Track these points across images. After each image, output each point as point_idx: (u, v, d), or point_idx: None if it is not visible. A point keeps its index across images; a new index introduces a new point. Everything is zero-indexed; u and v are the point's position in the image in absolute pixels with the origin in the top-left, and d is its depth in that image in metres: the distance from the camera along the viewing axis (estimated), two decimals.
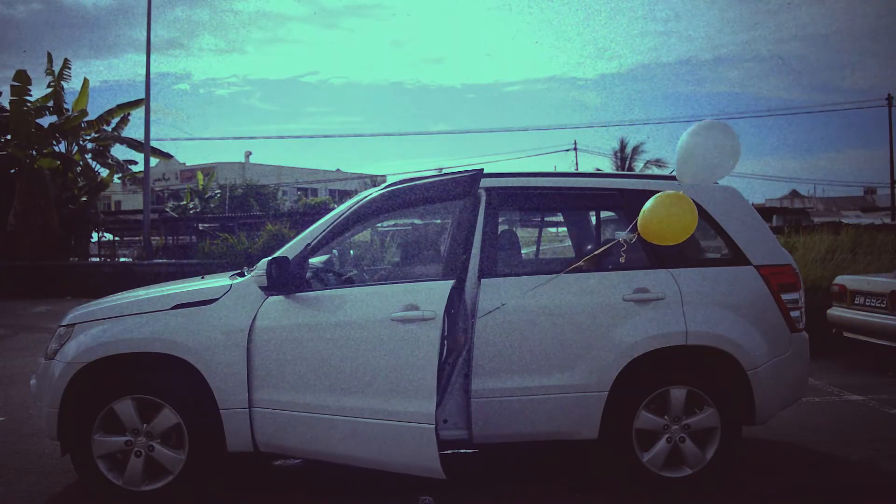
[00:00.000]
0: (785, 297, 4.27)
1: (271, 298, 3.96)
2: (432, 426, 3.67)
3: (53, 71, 21.54)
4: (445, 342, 4.12)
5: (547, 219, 6.40)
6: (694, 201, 3.96)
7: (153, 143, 22.38)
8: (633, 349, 4.06)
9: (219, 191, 37.51)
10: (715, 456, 4.10)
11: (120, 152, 31.01)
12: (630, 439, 4.07)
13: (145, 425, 3.92)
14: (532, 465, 4.74)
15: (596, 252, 4.18)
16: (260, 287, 3.96)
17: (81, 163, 22.50)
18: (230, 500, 4.21)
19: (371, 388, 3.79)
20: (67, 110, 21.77)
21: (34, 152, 20.63)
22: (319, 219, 4.33)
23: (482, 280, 4.12)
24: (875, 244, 12.38)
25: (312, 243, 4.07)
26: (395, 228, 9.88)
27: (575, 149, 46.20)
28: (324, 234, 4.11)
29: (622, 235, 4.10)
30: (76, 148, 22.35)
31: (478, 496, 4.18)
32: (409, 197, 4.19)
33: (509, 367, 4.04)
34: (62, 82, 21.78)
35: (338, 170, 56.91)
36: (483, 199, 4.25)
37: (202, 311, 3.97)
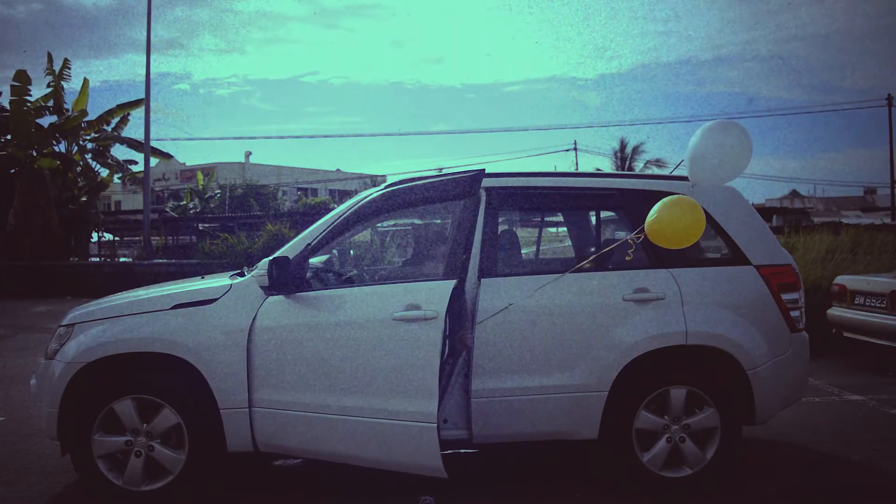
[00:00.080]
0: (785, 297, 4.27)
1: (271, 298, 3.96)
2: (434, 425, 3.67)
3: (53, 71, 21.56)
4: (447, 342, 4.12)
5: (547, 219, 6.40)
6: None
7: (153, 143, 22.43)
8: (633, 349, 4.06)
9: (219, 191, 37.52)
10: (715, 456, 4.10)
11: (120, 152, 30.95)
12: (630, 439, 4.07)
13: (145, 425, 3.92)
14: (532, 465, 4.74)
15: (604, 251, 4.16)
16: (260, 287, 3.96)
17: (81, 163, 22.53)
18: (230, 500, 4.21)
19: (372, 387, 3.79)
20: (67, 110, 21.78)
21: (34, 152, 20.65)
22: (319, 219, 4.33)
23: (482, 280, 4.12)
24: (875, 244, 12.39)
25: (313, 243, 4.07)
26: (395, 228, 9.89)
27: (575, 149, 46.23)
28: (324, 234, 4.11)
29: (630, 236, 4.05)
30: (76, 148, 22.37)
31: (478, 496, 4.18)
32: (409, 197, 4.19)
33: (509, 366, 4.04)
34: (62, 82, 21.80)
35: (338, 170, 56.90)
36: (483, 198, 4.24)
37: (202, 311, 3.97)
